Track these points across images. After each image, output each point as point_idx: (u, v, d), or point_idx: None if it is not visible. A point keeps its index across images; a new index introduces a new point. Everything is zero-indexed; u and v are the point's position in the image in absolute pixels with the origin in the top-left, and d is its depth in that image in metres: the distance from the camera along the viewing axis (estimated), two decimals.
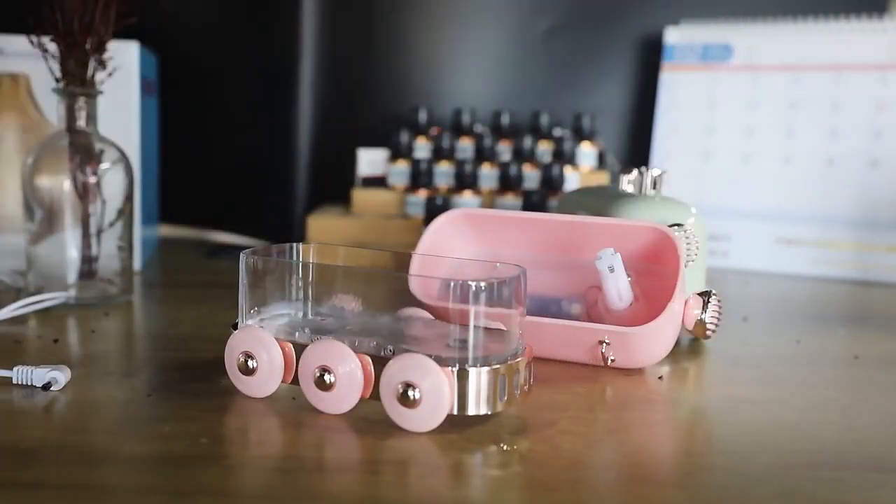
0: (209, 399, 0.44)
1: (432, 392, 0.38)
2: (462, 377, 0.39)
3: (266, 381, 0.43)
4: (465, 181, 0.89)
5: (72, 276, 0.63)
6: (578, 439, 0.40)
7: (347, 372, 0.40)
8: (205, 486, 0.34)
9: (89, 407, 0.43)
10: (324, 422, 0.41)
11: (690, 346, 0.58)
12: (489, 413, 0.40)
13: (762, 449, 0.39)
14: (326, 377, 0.41)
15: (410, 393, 0.39)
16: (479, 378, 0.39)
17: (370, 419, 0.41)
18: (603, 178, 0.91)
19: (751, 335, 0.63)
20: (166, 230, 0.99)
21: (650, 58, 1.01)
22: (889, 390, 0.50)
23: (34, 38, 0.62)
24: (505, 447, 0.38)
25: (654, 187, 0.59)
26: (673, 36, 0.98)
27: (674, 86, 0.98)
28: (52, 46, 0.62)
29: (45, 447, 0.37)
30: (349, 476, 0.35)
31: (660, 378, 0.51)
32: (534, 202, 0.86)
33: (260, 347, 0.43)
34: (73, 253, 0.63)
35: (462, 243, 0.57)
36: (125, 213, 0.65)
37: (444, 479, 0.36)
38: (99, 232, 0.64)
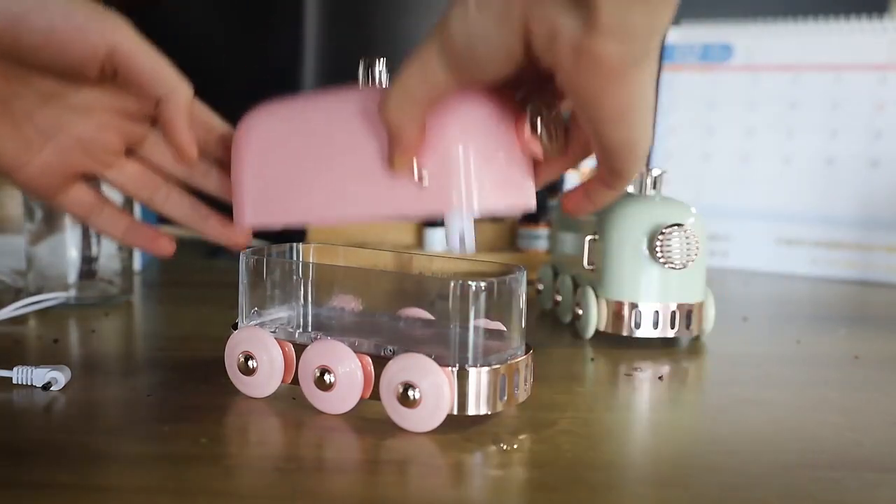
0: (209, 399, 0.44)
1: (432, 392, 0.38)
2: (462, 377, 0.39)
3: (266, 381, 0.43)
4: None
5: (72, 276, 0.63)
6: (578, 439, 0.40)
7: (347, 372, 0.40)
8: (205, 486, 0.34)
9: (89, 407, 0.43)
10: (323, 422, 0.41)
11: (690, 346, 0.58)
12: (489, 413, 0.40)
13: (762, 449, 0.39)
14: (326, 377, 0.41)
15: (410, 393, 0.39)
16: (478, 378, 0.39)
17: (370, 419, 0.41)
18: None
19: (751, 335, 0.63)
20: (166, 230, 0.99)
21: None
22: (889, 390, 0.50)
23: None
24: (505, 447, 0.38)
25: (654, 187, 0.59)
26: (673, 36, 0.98)
27: (674, 86, 0.98)
28: None
29: (45, 447, 0.37)
30: (349, 476, 0.35)
31: (660, 378, 0.51)
32: None
33: (260, 348, 0.43)
34: (73, 253, 0.63)
35: None
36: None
37: (444, 479, 0.36)
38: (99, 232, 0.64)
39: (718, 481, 0.36)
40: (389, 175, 0.39)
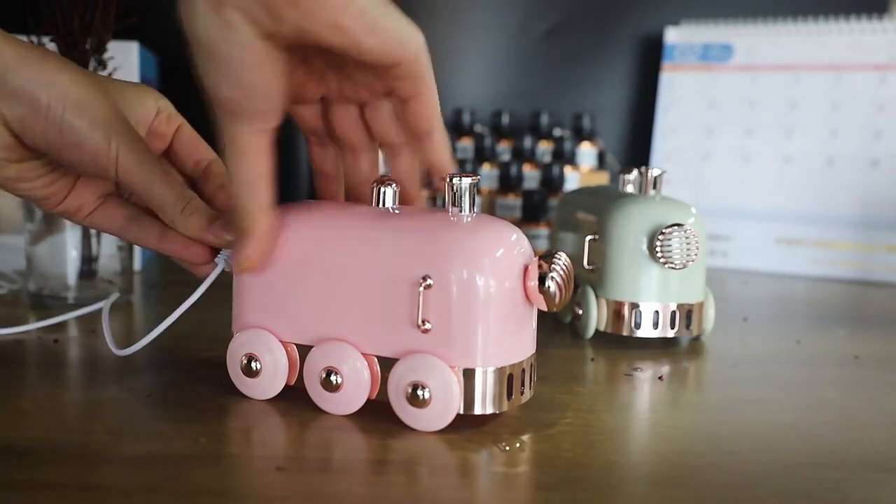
0: (209, 399, 0.44)
1: (442, 391, 0.39)
2: (468, 377, 0.39)
3: (270, 383, 0.43)
4: None
5: (72, 276, 0.63)
6: (578, 439, 0.40)
7: (355, 373, 0.40)
8: (205, 486, 0.34)
9: (89, 407, 0.43)
10: (325, 421, 0.41)
11: (690, 346, 0.58)
12: (496, 412, 0.40)
13: (762, 449, 0.39)
14: (333, 378, 0.41)
15: (420, 393, 0.39)
16: (485, 378, 0.39)
17: (371, 419, 0.41)
18: (603, 178, 0.91)
19: (751, 335, 0.63)
20: None
21: (650, 58, 1.01)
22: (889, 390, 0.50)
23: (34, 38, 0.62)
24: (507, 447, 0.38)
25: (654, 187, 0.59)
26: (673, 36, 0.98)
27: (674, 86, 0.98)
28: (52, 46, 0.62)
29: (45, 447, 0.37)
30: (349, 475, 0.35)
31: (660, 378, 0.51)
32: (534, 202, 0.86)
33: (264, 349, 0.43)
34: (73, 253, 0.63)
35: None
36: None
37: (444, 479, 0.36)
38: (99, 232, 0.64)
39: (718, 481, 0.36)
40: (392, 317, 0.40)
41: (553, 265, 0.39)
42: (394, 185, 0.42)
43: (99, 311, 0.62)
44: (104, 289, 0.64)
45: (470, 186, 0.41)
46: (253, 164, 0.40)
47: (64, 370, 0.50)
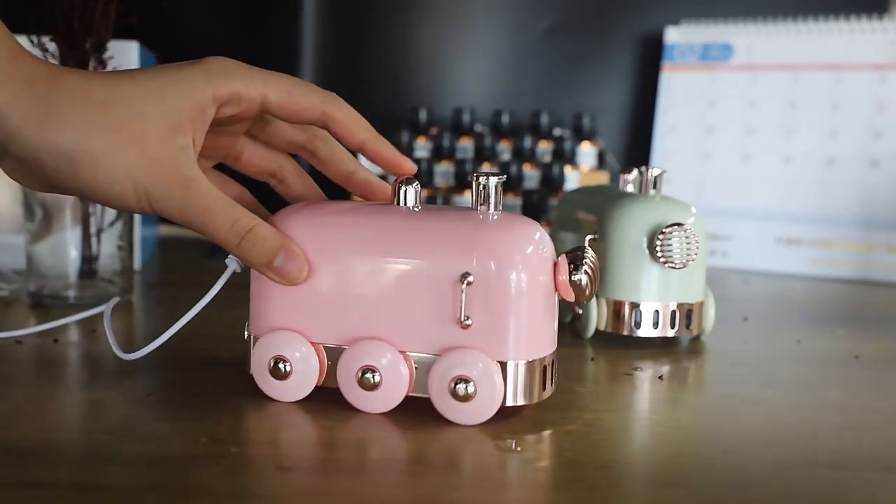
0: (209, 399, 0.44)
1: (486, 385, 0.39)
2: (503, 370, 0.40)
3: (301, 384, 0.43)
4: (464, 181, 0.89)
5: (72, 276, 0.63)
6: (578, 439, 0.40)
7: (394, 370, 0.41)
8: (205, 485, 0.34)
9: (89, 407, 0.43)
10: (325, 420, 0.41)
11: (690, 346, 0.58)
12: (527, 404, 0.41)
13: (762, 449, 0.39)
14: (370, 376, 0.41)
15: (463, 387, 0.39)
16: (516, 371, 0.40)
17: (370, 418, 0.41)
18: (603, 178, 0.91)
19: (751, 335, 0.63)
20: (166, 230, 0.99)
21: (650, 58, 1.01)
22: (889, 390, 0.50)
23: (34, 38, 0.62)
24: (519, 448, 0.38)
25: (654, 187, 0.59)
26: (673, 36, 0.98)
27: (674, 86, 0.98)
28: (52, 46, 0.62)
29: (45, 447, 0.37)
30: (349, 474, 0.35)
31: (660, 378, 0.51)
32: (534, 202, 0.86)
33: (295, 351, 0.42)
34: (73, 253, 0.63)
35: None
36: (125, 212, 0.65)
37: (444, 478, 0.36)
38: (99, 232, 0.64)
39: (718, 481, 0.36)
40: (429, 314, 0.40)
41: (583, 259, 0.41)
42: (416, 183, 0.43)
43: (99, 312, 0.62)
44: (104, 288, 0.64)
45: (496, 185, 0.42)
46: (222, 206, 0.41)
47: (64, 370, 0.50)
